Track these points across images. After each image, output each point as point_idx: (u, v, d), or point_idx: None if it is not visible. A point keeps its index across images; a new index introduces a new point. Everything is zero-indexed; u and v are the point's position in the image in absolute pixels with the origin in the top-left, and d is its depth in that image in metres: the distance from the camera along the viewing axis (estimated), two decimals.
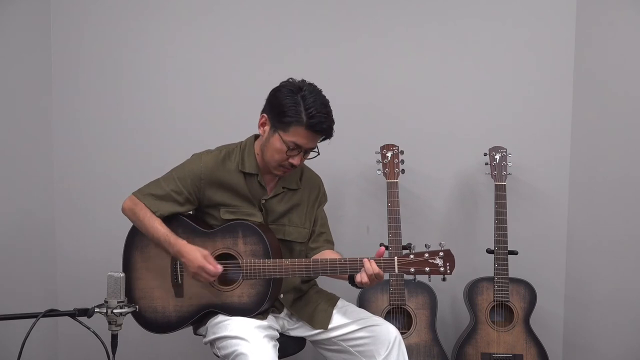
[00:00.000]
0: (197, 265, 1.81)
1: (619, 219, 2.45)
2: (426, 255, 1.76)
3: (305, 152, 1.88)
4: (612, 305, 2.48)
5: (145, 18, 2.56)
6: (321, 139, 1.90)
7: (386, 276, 2.27)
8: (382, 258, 1.77)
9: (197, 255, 1.82)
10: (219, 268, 1.82)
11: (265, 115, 1.90)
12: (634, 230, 2.40)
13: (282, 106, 1.82)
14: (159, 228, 1.87)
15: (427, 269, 1.75)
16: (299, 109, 1.80)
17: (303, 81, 1.87)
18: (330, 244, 2.08)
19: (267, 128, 1.89)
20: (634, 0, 2.42)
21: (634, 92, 2.39)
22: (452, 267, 1.75)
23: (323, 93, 1.88)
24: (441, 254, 1.75)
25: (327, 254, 2.00)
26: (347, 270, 1.80)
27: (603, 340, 2.51)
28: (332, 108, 1.93)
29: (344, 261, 1.79)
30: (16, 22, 2.39)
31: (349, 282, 1.86)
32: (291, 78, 1.89)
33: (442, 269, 1.75)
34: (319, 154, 1.93)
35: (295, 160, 1.86)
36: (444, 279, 1.78)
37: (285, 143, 1.83)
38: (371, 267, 1.75)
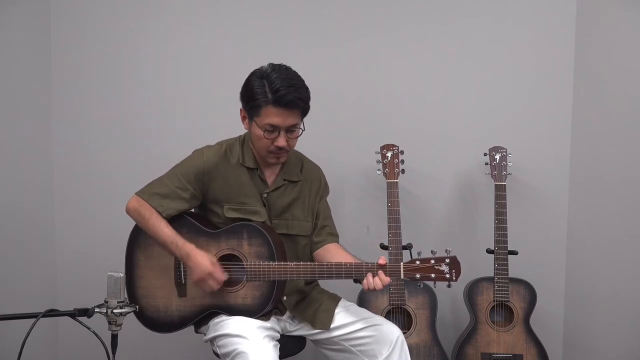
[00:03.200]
0: (207, 272, 1.80)
1: (619, 219, 2.44)
2: (432, 261, 1.76)
3: (287, 131, 1.86)
4: (612, 305, 2.48)
5: (145, 18, 2.56)
6: (300, 114, 1.87)
7: None
8: (387, 265, 1.77)
9: (206, 261, 1.81)
10: (225, 276, 1.83)
11: (242, 109, 1.93)
12: (634, 230, 2.40)
13: (251, 92, 1.84)
14: (166, 230, 1.86)
15: (432, 275, 1.76)
16: (264, 90, 1.81)
17: (270, 64, 1.87)
18: (334, 236, 2.07)
19: (247, 120, 1.92)
20: (634, 0, 2.41)
21: (634, 92, 2.39)
22: (457, 274, 1.76)
23: (294, 70, 1.87)
24: (447, 260, 1.76)
25: (331, 249, 2.01)
26: (353, 275, 1.80)
27: (603, 340, 2.51)
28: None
29: (350, 266, 1.79)
30: (16, 22, 2.39)
31: (354, 281, 1.86)
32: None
33: (447, 275, 1.76)
34: (304, 129, 1.90)
35: (279, 142, 1.84)
36: (449, 286, 1.79)
37: (261, 127, 1.84)
38: (373, 282, 1.75)
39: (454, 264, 1.76)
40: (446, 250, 1.77)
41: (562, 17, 2.54)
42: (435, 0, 2.57)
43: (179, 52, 2.57)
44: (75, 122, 2.57)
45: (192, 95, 2.57)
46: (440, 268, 1.76)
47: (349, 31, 2.57)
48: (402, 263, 1.77)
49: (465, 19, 2.56)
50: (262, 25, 2.56)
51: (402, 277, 1.77)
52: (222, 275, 1.82)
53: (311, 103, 1.96)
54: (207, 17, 2.56)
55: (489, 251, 2.35)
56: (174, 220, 1.92)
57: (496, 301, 2.33)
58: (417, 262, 1.76)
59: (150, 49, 2.57)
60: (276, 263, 1.82)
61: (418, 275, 1.76)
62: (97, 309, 1.60)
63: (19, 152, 2.40)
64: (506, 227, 2.31)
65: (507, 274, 2.32)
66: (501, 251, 2.32)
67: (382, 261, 1.78)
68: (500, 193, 2.34)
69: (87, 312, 1.59)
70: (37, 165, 2.52)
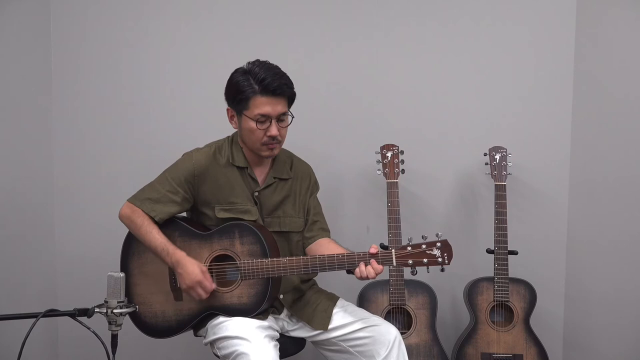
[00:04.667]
0: (196, 280, 1.81)
1: (619, 219, 2.45)
2: (423, 246, 1.76)
3: (278, 120, 1.88)
4: (612, 305, 2.48)
5: (145, 18, 2.56)
6: (288, 102, 1.90)
7: (386, 275, 2.29)
8: (379, 252, 1.78)
9: (196, 269, 1.82)
10: (214, 286, 1.84)
11: (229, 108, 1.94)
12: (634, 230, 2.40)
13: (236, 87, 1.86)
14: (157, 237, 1.87)
15: (425, 260, 1.76)
16: (250, 82, 1.84)
17: (248, 62, 1.90)
18: (325, 231, 2.08)
19: (235, 118, 1.93)
20: (634, 0, 2.42)
21: (634, 93, 2.39)
22: (449, 257, 1.76)
23: (275, 64, 1.90)
24: (438, 244, 1.75)
25: (323, 243, 2.02)
26: (345, 266, 1.81)
27: (603, 340, 2.51)
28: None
29: (342, 257, 1.80)
30: (16, 22, 2.39)
31: (347, 272, 1.86)
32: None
33: (440, 259, 1.75)
34: (293, 117, 1.93)
35: (272, 131, 1.86)
36: (442, 270, 1.78)
37: (252, 119, 1.85)
38: (365, 270, 1.76)
39: (446, 247, 1.75)
40: (437, 235, 1.77)
41: (562, 17, 2.53)
42: (435, 0, 2.57)
43: (178, 52, 2.57)
44: (75, 122, 2.57)
45: (192, 95, 2.57)
46: (432, 252, 1.75)
47: (349, 31, 2.56)
48: (393, 250, 1.77)
49: (465, 19, 2.56)
50: (262, 25, 2.56)
51: (394, 264, 1.77)
52: (211, 285, 1.83)
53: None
54: (207, 17, 2.56)
55: (489, 251, 2.35)
56: (167, 225, 1.93)
57: (496, 301, 2.33)
58: (409, 248, 1.76)
59: (150, 49, 2.57)
60: (269, 259, 1.83)
61: (410, 261, 1.76)
62: (97, 309, 1.59)
63: (19, 152, 2.40)
64: (506, 227, 2.31)
65: (507, 274, 2.32)
66: (501, 251, 2.32)
67: (373, 250, 1.79)
68: (500, 193, 2.34)
69: (87, 312, 1.58)
70: (37, 165, 2.52)
